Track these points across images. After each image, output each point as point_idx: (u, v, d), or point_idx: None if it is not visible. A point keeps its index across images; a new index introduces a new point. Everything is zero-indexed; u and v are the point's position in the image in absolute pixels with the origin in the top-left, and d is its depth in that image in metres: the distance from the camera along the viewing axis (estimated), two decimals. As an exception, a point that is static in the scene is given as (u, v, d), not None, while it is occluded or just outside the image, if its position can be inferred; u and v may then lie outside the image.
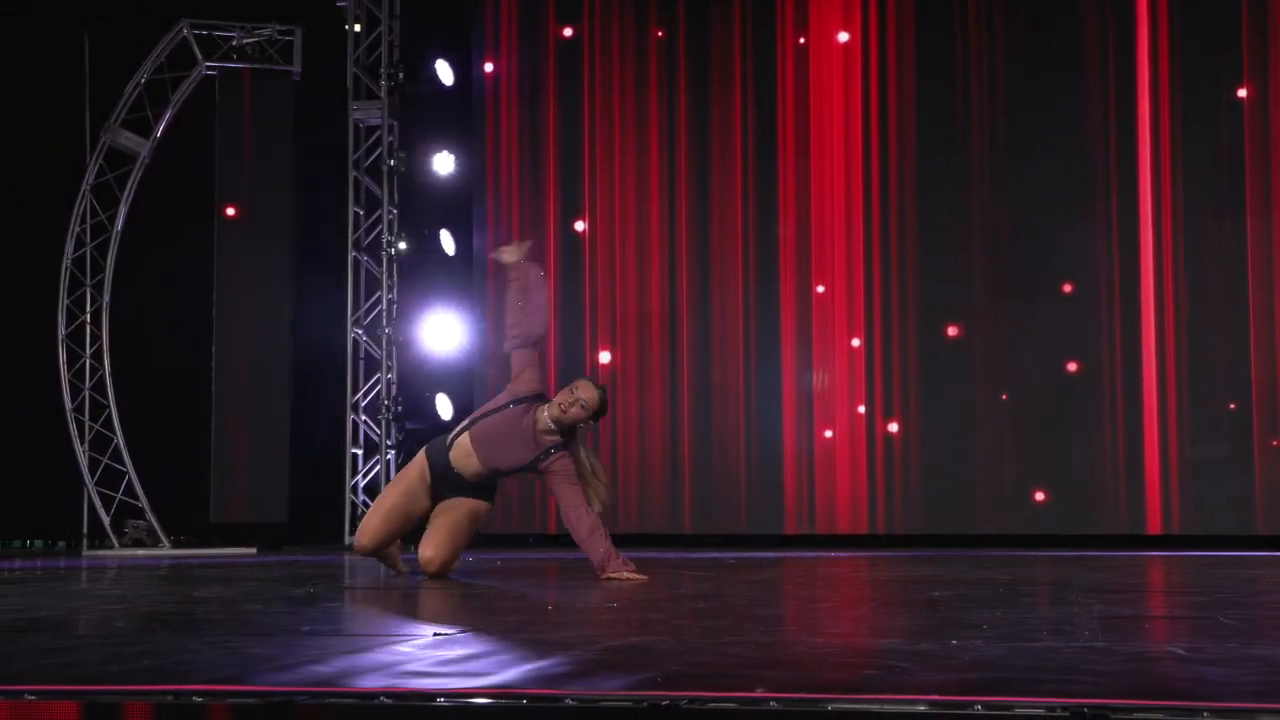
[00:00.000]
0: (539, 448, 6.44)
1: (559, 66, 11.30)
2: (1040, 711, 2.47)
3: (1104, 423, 10.36)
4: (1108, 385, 10.38)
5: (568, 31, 11.28)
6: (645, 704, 2.58)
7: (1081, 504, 10.39)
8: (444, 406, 11.20)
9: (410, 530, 6.77)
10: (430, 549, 6.47)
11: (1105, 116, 10.48)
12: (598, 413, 6.44)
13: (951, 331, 10.64)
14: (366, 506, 11.05)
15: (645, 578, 6.22)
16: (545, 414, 6.43)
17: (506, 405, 6.51)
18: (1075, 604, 4.85)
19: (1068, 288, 10.50)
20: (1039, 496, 10.43)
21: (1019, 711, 2.47)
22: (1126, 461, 10.30)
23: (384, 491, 6.82)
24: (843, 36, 10.87)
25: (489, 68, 11.43)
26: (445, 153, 11.36)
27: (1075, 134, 10.54)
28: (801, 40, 10.92)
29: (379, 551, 6.66)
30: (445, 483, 6.56)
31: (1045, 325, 10.51)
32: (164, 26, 10.85)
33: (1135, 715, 2.46)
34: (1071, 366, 10.45)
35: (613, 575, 6.20)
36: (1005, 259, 10.61)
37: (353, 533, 11.02)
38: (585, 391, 6.39)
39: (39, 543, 11.39)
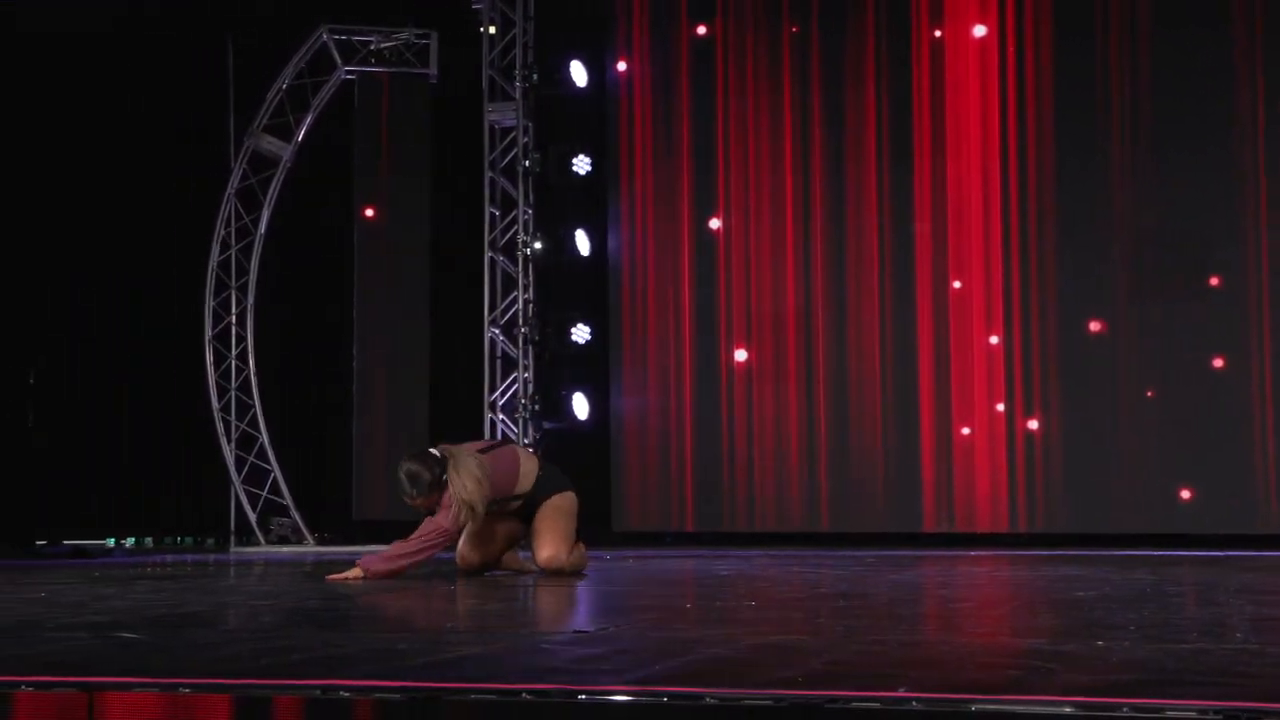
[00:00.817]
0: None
1: (692, 64, 11.29)
2: (1192, 714, 2.42)
3: (1253, 419, 10.11)
4: (1256, 381, 10.13)
5: (701, 29, 11.27)
6: (786, 703, 2.58)
7: (1231, 502, 10.15)
8: (580, 405, 11.26)
9: (510, 543, 6.86)
10: (547, 549, 6.61)
11: (1254, 111, 10.21)
12: (431, 487, 6.39)
13: (1094, 327, 10.46)
14: (505, 504, 11.15)
15: (359, 577, 6.25)
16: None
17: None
18: (1225, 605, 4.75)
19: (1215, 280, 10.26)
20: (1185, 494, 10.21)
21: (1170, 714, 2.43)
22: (1278, 459, 10.05)
23: None
24: (979, 30, 10.73)
25: (622, 67, 11.47)
26: (580, 154, 11.38)
27: (1221, 128, 10.27)
28: (938, 33, 10.80)
29: (486, 564, 6.74)
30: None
31: (1191, 320, 10.28)
32: (304, 33, 11.04)
33: (1291, 719, 2.40)
34: (1218, 362, 10.21)
35: (337, 577, 6.31)
36: (1149, 254, 10.39)
37: (491, 530, 11.12)
38: (409, 501, 6.48)
39: (189, 539, 11.66)
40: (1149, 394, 10.31)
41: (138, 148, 11.02)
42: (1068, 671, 2.94)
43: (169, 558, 9.36)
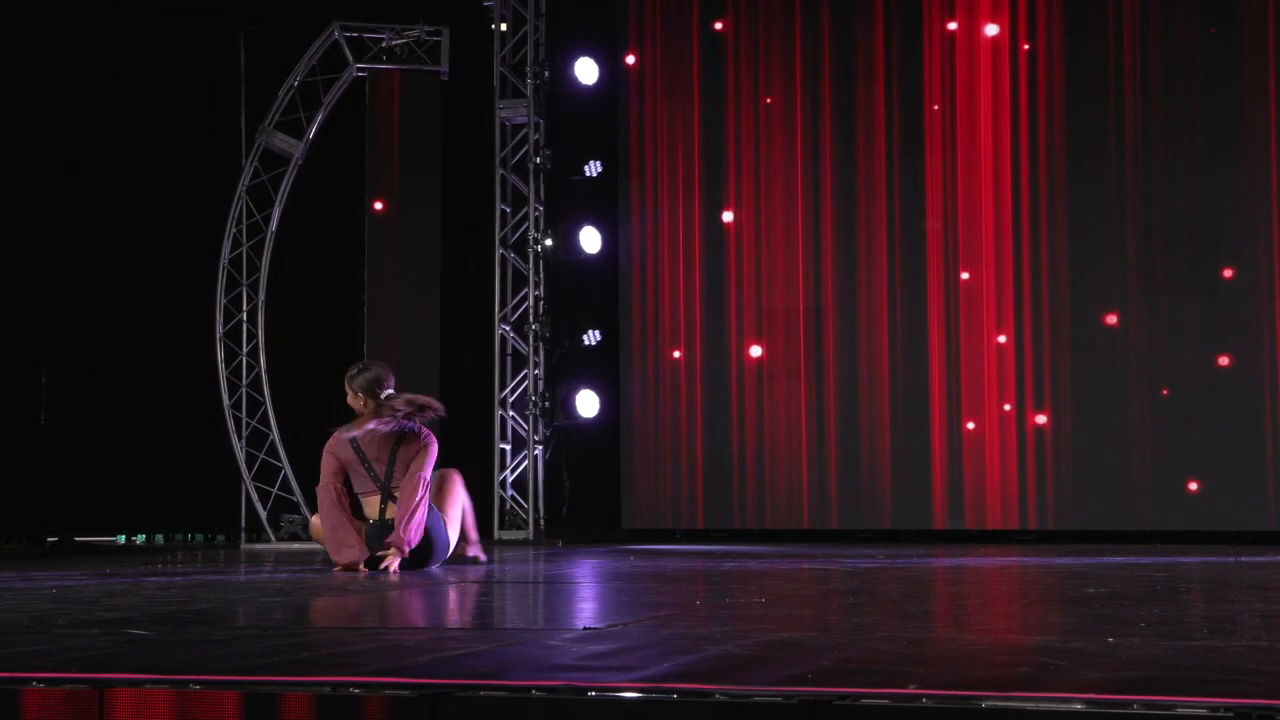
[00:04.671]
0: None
1: (702, 59, 11.29)
2: (1203, 712, 2.41)
3: (1264, 414, 10.08)
4: (1268, 375, 10.11)
5: (718, 25, 11.26)
6: (796, 700, 2.57)
7: (1242, 499, 10.13)
8: (586, 404, 11.26)
9: None
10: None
11: (1264, 105, 10.20)
12: (373, 395, 6.84)
13: (1110, 320, 10.43)
14: (516, 501, 11.16)
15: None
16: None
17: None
18: (1236, 602, 4.74)
19: (1228, 273, 10.24)
20: (1196, 490, 10.19)
21: (1180, 711, 2.42)
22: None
23: None
24: (991, 29, 10.71)
25: (631, 60, 11.46)
26: (592, 153, 11.37)
27: (1232, 122, 10.27)
28: (951, 26, 10.78)
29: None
30: None
31: (1202, 315, 10.26)
32: (316, 29, 11.05)
33: (1302, 717, 2.39)
34: (1229, 357, 10.19)
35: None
36: (1159, 249, 10.38)
37: (503, 527, 11.13)
38: (352, 394, 6.90)
39: (199, 536, 11.67)
40: (1164, 392, 10.28)
41: (149, 145, 11.02)
42: (1078, 669, 2.94)
43: (180, 555, 9.37)
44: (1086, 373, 10.43)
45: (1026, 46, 10.64)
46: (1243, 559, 7.65)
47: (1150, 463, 10.29)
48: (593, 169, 11.35)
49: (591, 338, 11.34)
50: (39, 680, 2.86)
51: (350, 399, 6.88)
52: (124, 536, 11.11)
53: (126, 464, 10.93)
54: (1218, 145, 10.30)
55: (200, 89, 11.31)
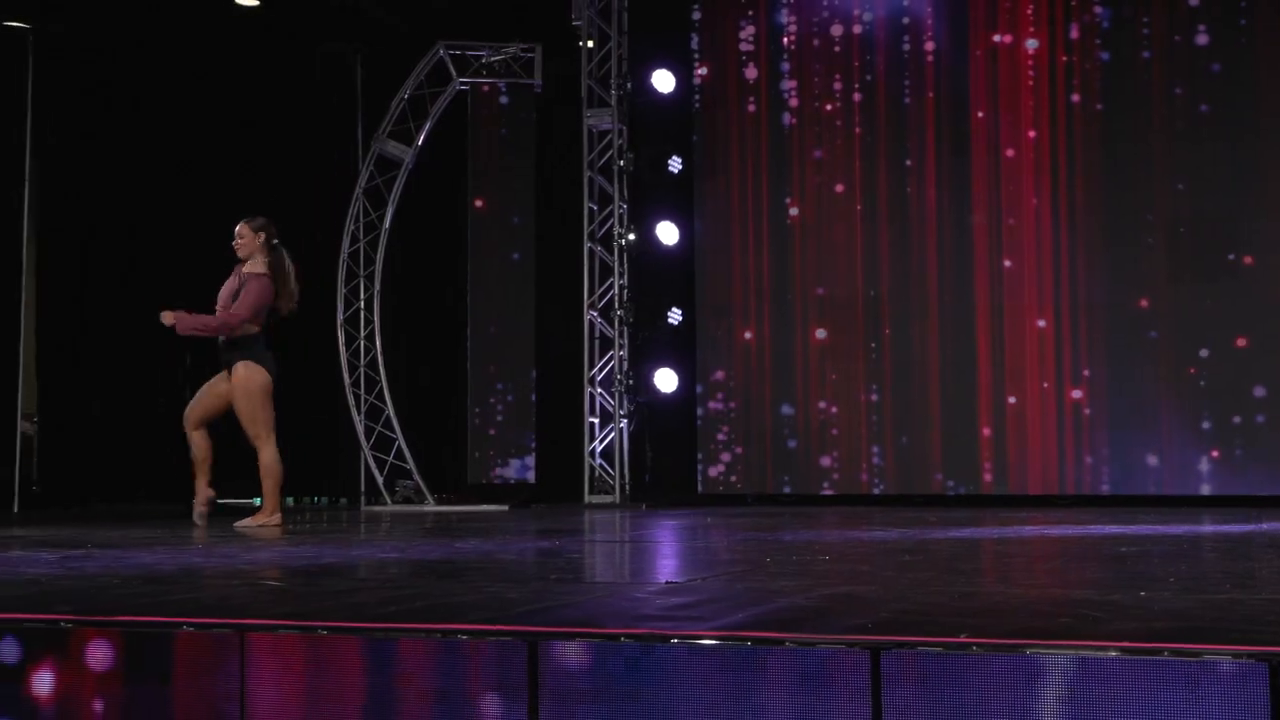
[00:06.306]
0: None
1: (767, 69, 11.22)
2: (1227, 659, 2.39)
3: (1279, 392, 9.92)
4: (1287, 356, 9.94)
5: (784, 40, 11.19)
6: (858, 647, 2.58)
7: (1261, 466, 9.97)
8: (665, 380, 11.26)
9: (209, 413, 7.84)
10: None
11: (1276, 105, 10.02)
12: (255, 239, 7.53)
13: (1141, 304, 10.29)
14: (604, 469, 11.21)
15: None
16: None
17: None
18: (1257, 559, 4.68)
19: (1248, 261, 10.07)
20: (1215, 454, 10.04)
21: (1207, 658, 2.40)
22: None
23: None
24: (1032, 44, 10.57)
25: (704, 71, 11.42)
26: (670, 154, 11.36)
27: (1251, 126, 10.08)
28: (996, 38, 10.65)
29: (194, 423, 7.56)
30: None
31: (1223, 299, 10.09)
32: (423, 49, 11.12)
33: (1320, 664, 2.36)
34: (1249, 337, 10.02)
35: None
36: (1185, 240, 10.21)
37: (593, 492, 11.18)
38: (239, 239, 7.57)
39: (324, 499, 11.81)
40: (1190, 370, 10.14)
41: (280, 155, 11.15)
42: (1113, 620, 2.92)
43: (308, 516, 9.49)
44: (1119, 353, 10.31)
45: (1064, 58, 10.50)
46: (1261, 524, 7.54)
47: (1176, 434, 10.15)
48: (675, 164, 11.36)
49: (675, 315, 11.34)
50: (189, 624, 2.92)
51: (251, 240, 7.45)
52: (259, 499, 11.25)
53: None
54: (1239, 145, 10.11)
55: (324, 105, 11.42)
